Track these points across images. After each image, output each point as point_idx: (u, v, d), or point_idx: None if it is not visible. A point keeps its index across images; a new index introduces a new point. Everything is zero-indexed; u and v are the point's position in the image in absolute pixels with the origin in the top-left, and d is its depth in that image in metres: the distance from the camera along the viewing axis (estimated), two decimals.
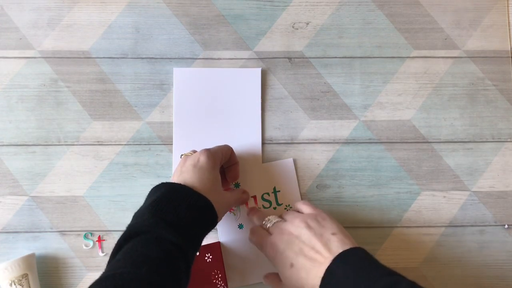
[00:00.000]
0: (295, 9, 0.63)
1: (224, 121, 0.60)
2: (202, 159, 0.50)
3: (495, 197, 0.60)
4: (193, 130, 0.60)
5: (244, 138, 0.60)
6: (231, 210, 0.58)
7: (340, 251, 0.44)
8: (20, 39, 0.61)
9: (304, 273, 0.45)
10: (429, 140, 0.61)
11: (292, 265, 0.46)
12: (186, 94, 0.60)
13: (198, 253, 0.55)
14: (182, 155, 0.54)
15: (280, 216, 0.52)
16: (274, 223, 0.51)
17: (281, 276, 0.48)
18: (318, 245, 0.45)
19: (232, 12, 0.62)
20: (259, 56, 0.62)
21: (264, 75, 0.61)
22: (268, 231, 0.51)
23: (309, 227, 0.47)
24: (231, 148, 0.56)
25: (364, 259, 0.44)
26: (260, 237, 0.51)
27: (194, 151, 0.54)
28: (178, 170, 0.50)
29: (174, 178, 0.50)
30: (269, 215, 0.53)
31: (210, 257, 0.55)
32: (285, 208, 0.58)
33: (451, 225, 0.59)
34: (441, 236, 0.59)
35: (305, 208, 0.52)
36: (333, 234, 0.46)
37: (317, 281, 0.43)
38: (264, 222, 0.52)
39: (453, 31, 0.63)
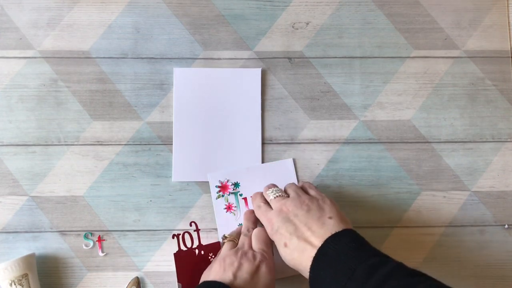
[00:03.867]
0: (295, 9, 0.63)
1: (224, 121, 0.60)
2: (264, 271, 0.48)
3: (495, 197, 0.60)
4: (193, 130, 0.60)
5: (244, 138, 0.60)
6: (231, 210, 0.58)
7: (333, 232, 0.45)
8: (20, 39, 0.61)
9: (296, 253, 0.46)
10: (429, 140, 0.61)
11: (285, 245, 0.47)
12: (186, 94, 0.60)
13: (203, 252, 0.55)
14: (224, 236, 0.55)
15: (285, 190, 0.54)
16: (276, 196, 0.52)
17: (279, 252, 0.49)
18: (314, 227, 0.46)
19: (232, 12, 0.62)
20: (259, 56, 0.62)
21: (264, 75, 0.61)
22: (270, 203, 0.52)
23: (308, 209, 0.48)
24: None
25: (355, 240, 0.44)
26: (262, 212, 0.52)
27: (238, 234, 0.54)
28: (230, 270, 0.47)
29: (224, 276, 0.47)
30: (274, 187, 0.54)
31: (213, 256, 0.55)
32: None
33: (451, 225, 0.59)
34: (441, 236, 0.59)
35: (311, 191, 0.52)
36: (330, 218, 0.47)
37: (309, 261, 0.44)
38: (267, 192, 0.53)
39: (453, 31, 0.63)
